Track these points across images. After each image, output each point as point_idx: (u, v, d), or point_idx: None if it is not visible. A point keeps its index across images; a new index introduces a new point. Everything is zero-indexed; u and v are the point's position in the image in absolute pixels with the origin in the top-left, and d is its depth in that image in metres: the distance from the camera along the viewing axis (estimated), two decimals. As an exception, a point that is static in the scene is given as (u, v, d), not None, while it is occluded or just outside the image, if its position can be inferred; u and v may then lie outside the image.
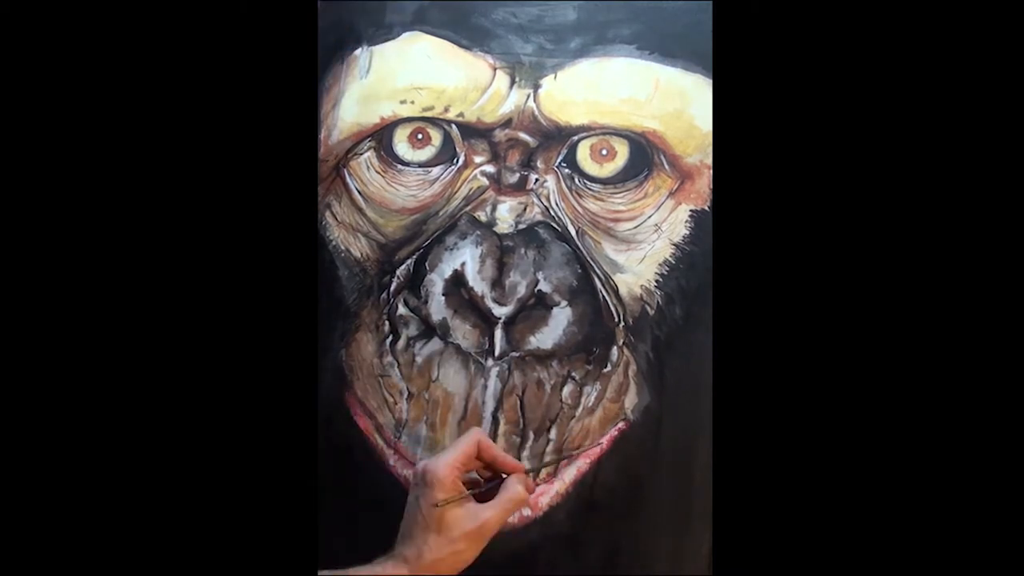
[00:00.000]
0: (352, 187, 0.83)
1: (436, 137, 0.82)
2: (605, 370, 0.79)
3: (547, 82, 0.79)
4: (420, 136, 0.81)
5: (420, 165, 0.82)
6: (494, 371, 0.79)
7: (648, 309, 0.78)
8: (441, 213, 0.82)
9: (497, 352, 0.79)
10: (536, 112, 0.79)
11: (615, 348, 0.78)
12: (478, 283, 0.80)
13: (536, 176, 0.80)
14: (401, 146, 0.82)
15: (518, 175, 0.80)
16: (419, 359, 0.81)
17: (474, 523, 0.65)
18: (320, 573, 0.65)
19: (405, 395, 0.82)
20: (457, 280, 0.81)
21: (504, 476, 0.69)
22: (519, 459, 0.79)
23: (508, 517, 0.68)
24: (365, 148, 0.84)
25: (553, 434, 0.79)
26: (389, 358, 0.82)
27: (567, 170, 0.80)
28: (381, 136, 0.83)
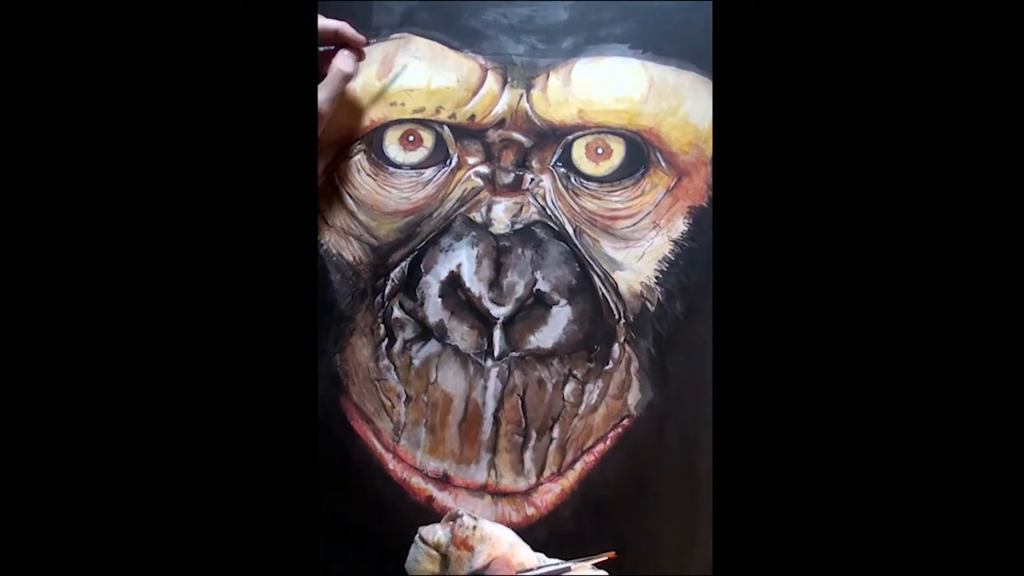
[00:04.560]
0: (343, 190, 0.82)
1: (428, 139, 0.81)
2: (607, 367, 0.79)
3: (540, 82, 0.79)
4: (412, 138, 0.81)
5: (412, 167, 0.82)
6: (494, 371, 0.79)
7: (649, 305, 0.79)
8: (435, 215, 0.81)
9: (496, 352, 0.79)
10: (529, 112, 0.80)
11: (616, 345, 0.79)
12: (475, 284, 0.80)
13: (531, 176, 0.80)
14: (392, 148, 0.82)
15: (513, 175, 0.80)
16: (416, 361, 0.81)
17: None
18: None
19: (403, 398, 0.81)
20: (453, 281, 0.80)
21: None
22: (522, 460, 0.79)
23: (336, 92, 0.76)
24: (355, 151, 0.83)
25: (556, 433, 0.79)
26: (385, 361, 0.82)
27: (563, 169, 0.80)
28: (371, 139, 0.82)
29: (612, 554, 0.70)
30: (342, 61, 0.76)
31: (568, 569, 0.68)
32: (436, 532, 0.71)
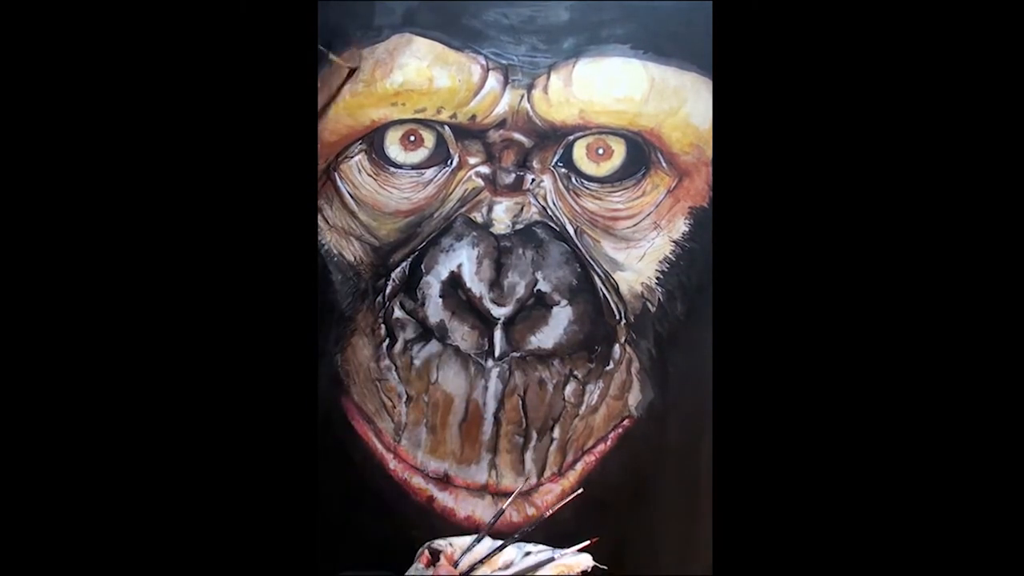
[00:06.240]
0: (343, 190, 0.82)
1: (429, 139, 0.81)
2: (607, 368, 0.79)
3: (541, 82, 0.79)
4: (412, 138, 0.81)
5: (413, 167, 0.82)
6: (494, 372, 0.79)
7: (649, 306, 0.79)
8: (436, 215, 0.81)
9: (497, 353, 0.79)
10: (530, 112, 0.79)
11: (617, 346, 0.79)
12: (476, 284, 0.80)
13: (532, 176, 0.80)
14: (393, 148, 0.82)
15: (514, 175, 0.80)
16: (417, 362, 0.81)
17: None
18: None
19: (404, 398, 0.81)
20: (454, 282, 0.80)
21: None
22: (523, 460, 0.79)
23: None
24: (356, 151, 0.83)
25: (556, 433, 0.79)
26: (386, 362, 0.82)
27: (563, 170, 0.80)
28: (372, 139, 0.82)
29: (595, 539, 0.69)
30: None
31: (551, 560, 0.68)
32: None
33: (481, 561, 0.65)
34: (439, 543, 0.68)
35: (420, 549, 0.71)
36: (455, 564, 0.66)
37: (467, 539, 0.70)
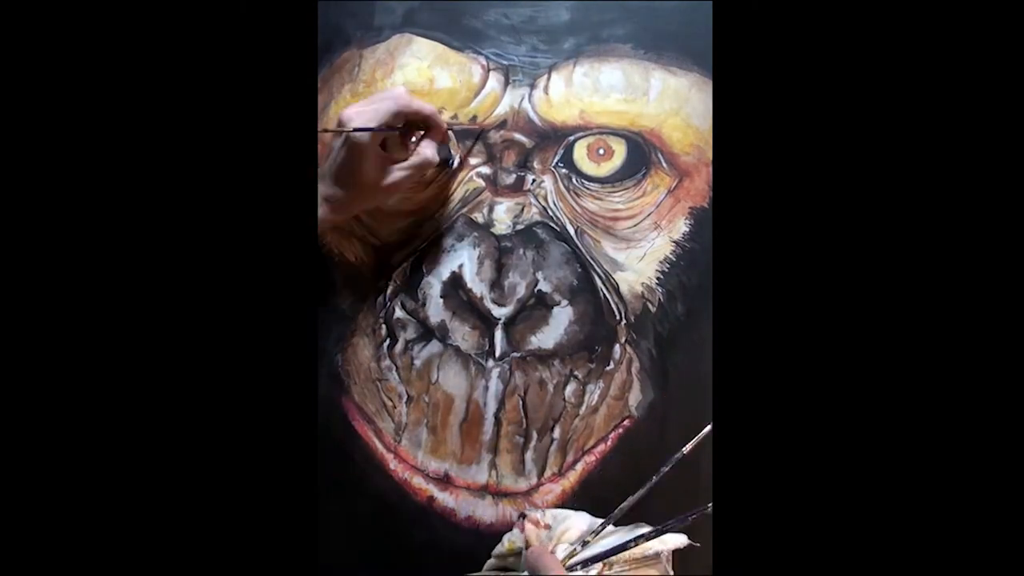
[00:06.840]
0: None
1: (430, 139, 0.81)
2: (608, 368, 0.79)
3: (541, 83, 0.79)
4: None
5: (414, 168, 0.82)
6: (495, 372, 0.79)
7: (650, 306, 0.79)
8: (437, 215, 0.81)
9: (498, 353, 0.79)
10: (531, 113, 0.80)
11: (617, 346, 0.79)
12: (476, 284, 0.80)
13: (533, 177, 0.80)
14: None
15: (515, 176, 0.80)
16: (418, 362, 0.81)
17: (384, 179, 0.76)
18: None
19: (404, 399, 0.81)
20: (455, 282, 0.81)
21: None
22: (523, 460, 0.79)
23: (416, 178, 0.78)
24: (357, 151, 0.83)
25: (557, 433, 0.79)
26: (387, 362, 0.82)
27: (564, 170, 0.80)
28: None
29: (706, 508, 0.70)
30: (430, 150, 0.77)
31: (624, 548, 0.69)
32: (504, 542, 0.72)
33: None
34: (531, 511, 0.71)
35: (517, 517, 0.74)
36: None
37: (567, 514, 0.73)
